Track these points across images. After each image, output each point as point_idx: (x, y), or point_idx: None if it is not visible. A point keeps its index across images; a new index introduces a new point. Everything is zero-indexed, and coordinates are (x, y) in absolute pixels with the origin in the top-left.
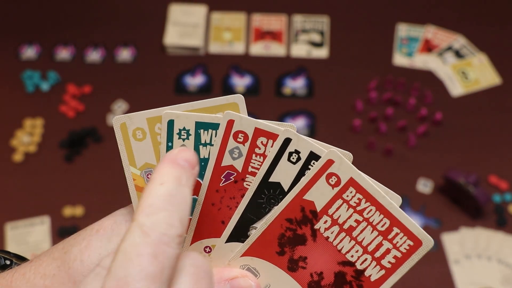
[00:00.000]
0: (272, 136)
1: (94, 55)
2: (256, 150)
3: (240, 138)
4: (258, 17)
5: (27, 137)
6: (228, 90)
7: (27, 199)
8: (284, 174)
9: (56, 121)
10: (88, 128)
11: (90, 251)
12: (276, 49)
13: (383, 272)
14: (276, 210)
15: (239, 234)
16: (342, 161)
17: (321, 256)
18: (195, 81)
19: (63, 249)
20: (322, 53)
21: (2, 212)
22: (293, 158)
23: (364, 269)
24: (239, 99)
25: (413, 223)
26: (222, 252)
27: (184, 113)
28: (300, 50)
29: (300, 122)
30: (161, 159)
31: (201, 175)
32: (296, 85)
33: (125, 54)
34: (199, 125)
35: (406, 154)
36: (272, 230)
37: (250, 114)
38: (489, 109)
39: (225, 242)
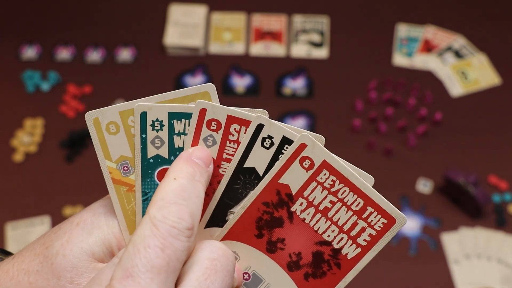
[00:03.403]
0: (245, 123)
1: (94, 55)
2: (230, 137)
3: (213, 126)
4: (258, 17)
5: (28, 137)
6: (228, 90)
7: (27, 199)
8: (258, 159)
9: (56, 121)
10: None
11: (71, 245)
12: (276, 49)
13: (359, 250)
14: (253, 195)
15: (217, 219)
16: (315, 145)
17: (299, 237)
18: (195, 81)
19: (44, 244)
20: (322, 53)
21: (3, 212)
22: (266, 144)
23: (341, 248)
24: (210, 88)
25: (386, 201)
26: (202, 238)
27: (156, 105)
28: (300, 50)
29: (300, 122)
30: (177, 157)
31: None
32: (296, 85)
33: (125, 54)
34: (172, 116)
35: (406, 154)
36: (250, 214)
37: (223, 103)
38: (488, 109)
39: (204, 228)
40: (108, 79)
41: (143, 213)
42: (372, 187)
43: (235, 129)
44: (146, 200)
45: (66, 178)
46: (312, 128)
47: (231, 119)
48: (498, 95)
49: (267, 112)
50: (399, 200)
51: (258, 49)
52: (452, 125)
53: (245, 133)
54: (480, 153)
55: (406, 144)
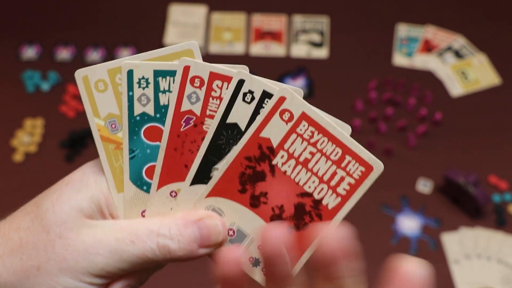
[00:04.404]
0: (227, 79)
1: (94, 55)
2: (212, 93)
3: (197, 83)
4: (258, 17)
5: (28, 137)
6: None
7: (27, 199)
8: (240, 114)
9: (56, 121)
10: (88, 128)
11: (61, 202)
12: (276, 49)
13: (339, 199)
14: (235, 150)
15: (202, 176)
16: (294, 97)
17: (281, 190)
18: None
19: (36, 203)
20: (322, 53)
21: (2, 212)
22: (247, 98)
23: (322, 198)
24: (193, 45)
25: (364, 150)
26: (188, 195)
27: (143, 62)
28: (300, 50)
29: None
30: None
31: (163, 121)
32: (296, 85)
33: (125, 54)
34: (157, 73)
35: (406, 154)
36: (233, 170)
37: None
38: (489, 109)
39: (190, 185)
40: None
41: (130, 171)
42: (351, 136)
43: (217, 85)
44: (133, 158)
45: None
46: None
47: (213, 76)
48: (498, 95)
49: (247, 67)
50: (399, 200)
51: (258, 49)
52: (452, 125)
53: (227, 89)
54: (480, 153)
55: (406, 144)
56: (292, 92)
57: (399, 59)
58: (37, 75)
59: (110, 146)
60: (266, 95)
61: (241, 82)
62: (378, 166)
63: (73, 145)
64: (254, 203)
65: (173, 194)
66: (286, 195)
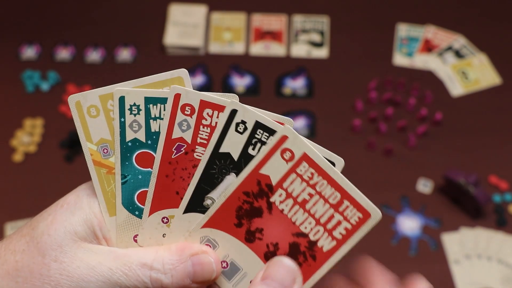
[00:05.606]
0: (217, 108)
1: (94, 55)
2: (203, 121)
3: (188, 111)
4: (258, 17)
5: (27, 137)
6: (228, 90)
7: (27, 199)
8: (232, 144)
9: (56, 121)
10: None
11: (56, 225)
12: (276, 49)
13: (334, 243)
14: (234, 184)
15: (195, 205)
16: (296, 137)
17: (277, 228)
18: (195, 81)
19: (31, 225)
20: (322, 53)
21: (2, 212)
22: (240, 129)
23: (317, 240)
24: (183, 73)
25: (363, 196)
26: (181, 223)
27: (134, 89)
28: (300, 50)
29: (300, 122)
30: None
31: (154, 148)
32: (296, 85)
33: (125, 54)
34: (148, 100)
35: (406, 154)
36: (230, 203)
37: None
38: (489, 109)
39: (183, 213)
40: (108, 79)
41: (123, 196)
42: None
43: (208, 113)
44: (125, 183)
45: (66, 178)
46: (312, 128)
47: (204, 104)
48: (498, 95)
49: (237, 97)
50: (399, 200)
51: (258, 49)
52: (452, 125)
53: (217, 117)
54: (480, 153)
55: (406, 144)
56: (294, 132)
57: (399, 59)
58: (36, 75)
59: (102, 171)
60: (258, 125)
61: (233, 112)
62: (376, 214)
63: (73, 145)
64: (250, 238)
65: (165, 220)
66: (281, 233)
